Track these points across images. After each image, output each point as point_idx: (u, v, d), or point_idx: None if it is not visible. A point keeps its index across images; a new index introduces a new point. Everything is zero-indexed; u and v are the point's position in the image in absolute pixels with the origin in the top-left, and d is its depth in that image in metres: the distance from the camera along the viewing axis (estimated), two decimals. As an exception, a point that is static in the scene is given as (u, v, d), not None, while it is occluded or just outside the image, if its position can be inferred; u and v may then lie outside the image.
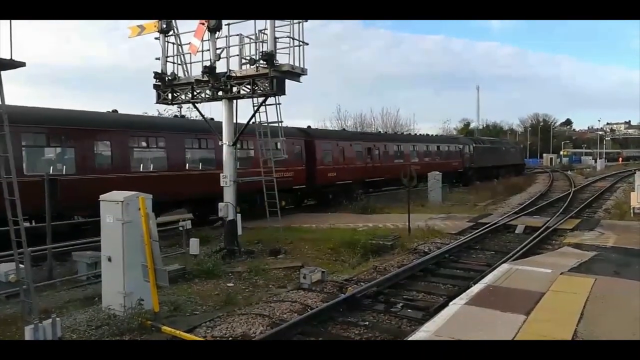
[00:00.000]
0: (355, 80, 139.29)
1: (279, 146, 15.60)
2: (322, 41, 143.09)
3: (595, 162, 74.54)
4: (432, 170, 29.25)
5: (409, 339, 5.77)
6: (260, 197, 15.32)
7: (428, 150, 34.84)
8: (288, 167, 20.21)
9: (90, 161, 14.32)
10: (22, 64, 7.01)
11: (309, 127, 27.22)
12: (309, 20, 12.02)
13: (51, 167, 13.68)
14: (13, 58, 6.66)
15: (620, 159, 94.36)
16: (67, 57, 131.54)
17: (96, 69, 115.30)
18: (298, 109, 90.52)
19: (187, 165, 17.14)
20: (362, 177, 26.14)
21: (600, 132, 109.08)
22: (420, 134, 43.77)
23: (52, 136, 13.68)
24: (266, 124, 14.06)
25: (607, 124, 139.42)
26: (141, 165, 16.01)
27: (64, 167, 14.04)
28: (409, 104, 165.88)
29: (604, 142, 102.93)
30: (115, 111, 15.41)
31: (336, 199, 23.70)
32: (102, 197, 8.30)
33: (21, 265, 7.06)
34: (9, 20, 6.32)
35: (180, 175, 16.46)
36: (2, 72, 6.69)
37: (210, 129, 14.73)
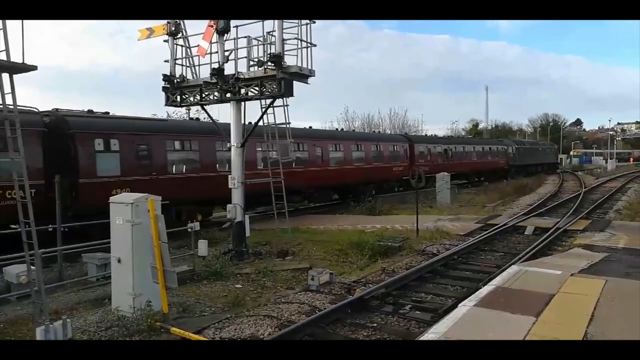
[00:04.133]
0: (362, 81, 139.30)
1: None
2: (328, 42, 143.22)
3: (606, 162, 73.79)
4: (487, 167, 40.87)
5: (418, 339, 5.75)
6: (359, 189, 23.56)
7: (483, 150, 41.79)
8: (400, 163, 28.34)
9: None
10: (33, 68, 7.09)
11: (406, 133, 39.10)
12: (315, 21, 12.04)
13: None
14: (25, 62, 6.77)
15: (631, 159, 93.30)
16: (70, 58, 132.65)
17: (100, 71, 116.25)
18: (305, 110, 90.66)
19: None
20: (441, 172, 30.37)
21: (611, 132, 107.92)
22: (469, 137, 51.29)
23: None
24: (280, 126, 14.17)
25: (618, 124, 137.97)
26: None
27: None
28: (417, 105, 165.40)
29: (615, 142, 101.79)
30: (90, 111, 15.43)
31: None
32: (112, 198, 8.39)
33: (32, 267, 7.14)
34: (20, 25, 6.41)
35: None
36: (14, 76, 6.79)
37: (219, 131, 14.81)
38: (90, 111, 14.59)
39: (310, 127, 25.60)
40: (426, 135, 43.65)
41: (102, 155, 13.70)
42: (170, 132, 16.27)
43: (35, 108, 13.33)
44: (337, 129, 33.89)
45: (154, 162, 15.11)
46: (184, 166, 16.49)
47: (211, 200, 16.75)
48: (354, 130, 35.27)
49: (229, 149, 14.16)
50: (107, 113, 15.35)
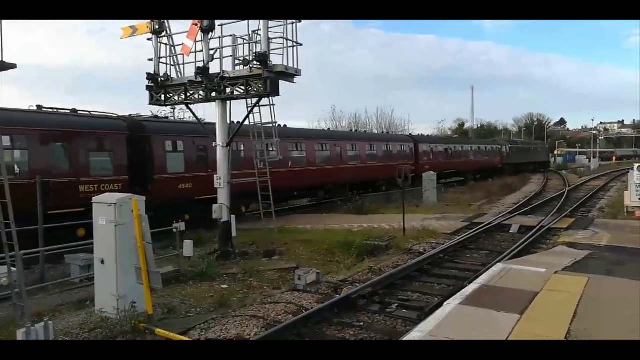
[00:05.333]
0: (349, 80, 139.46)
1: (271, 147, 15.94)
2: (313, 41, 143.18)
3: (589, 161, 74.88)
4: (483, 165, 43.77)
5: (404, 339, 5.76)
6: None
7: (479, 149, 45.23)
8: (407, 161, 30.77)
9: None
10: (13, 66, 6.96)
11: (410, 134, 40.99)
12: (302, 21, 12.02)
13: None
14: (4, 60, 6.63)
15: (614, 158, 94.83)
16: (52, 56, 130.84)
17: (83, 69, 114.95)
18: (294, 108, 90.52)
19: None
20: (442, 169, 35.17)
21: (594, 132, 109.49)
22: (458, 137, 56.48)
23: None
24: (266, 125, 14.14)
25: (601, 123, 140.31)
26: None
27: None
28: (403, 105, 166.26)
29: (598, 142, 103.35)
30: (156, 116, 16.28)
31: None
32: (95, 199, 8.26)
33: (13, 269, 7.00)
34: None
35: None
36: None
37: (205, 130, 14.74)
38: (155, 116, 15.69)
39: (329, 128, 30.54)
40: (428, 135, 46.06)
41: (171, 154, 16.02)
42: None
43: (114, 114, 15.46)
44: (353, 130, 38.38)
45: (210, 160, 16.62)
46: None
47: (254, 193, 18.42)
48: (365, 132, 39.87)
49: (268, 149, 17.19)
50: (167, 118, 16.36)
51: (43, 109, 14.22)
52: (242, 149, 18.18)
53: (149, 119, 16.21)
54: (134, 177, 14.90)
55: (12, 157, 12.47)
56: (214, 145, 13.17)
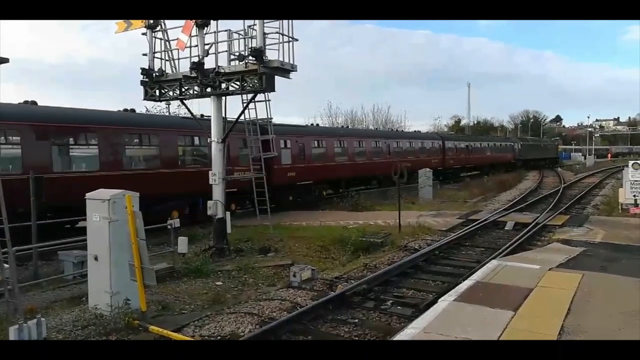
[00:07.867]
0: (344, 76, 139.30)
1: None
2: (307, 36, 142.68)
3: (585, 158, 75.15)
4: (498, 160, 48.51)
5: (398, 335, 5.75)
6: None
7: (495, 146, 50.26)
8: (436, 156, 36.48)
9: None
10: (5, 60, 6.87)
11: (437, 132, 47.60)
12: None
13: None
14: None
15: (609, 155, 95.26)
16: (44, 52, 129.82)
17: (76, 64, 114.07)
18: (288, 105, 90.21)
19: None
20: (464, 164, 41.57)
21: (590, 129, 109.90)
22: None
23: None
24: (261, 120, 14.11)
25: (596, 120, 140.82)
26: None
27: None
28: (399, 101, 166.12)
29: (593, 139, 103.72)
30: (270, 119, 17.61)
31: (453, 177, 38.69)
32: (88, 195, 8.19)
33: (6, 265, 6.94)
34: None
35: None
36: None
37: (200, 126, 14.66)
38: (270, 119, 17.85)
39: (377, 128, 36.49)
40: (451, 133, 50.07)
41: (283, 150, 20.13)
42: (313, 134, 24.33)
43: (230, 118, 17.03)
44: (397, 130, 44.24)
45: (306, 154, 21.95)
46: (316, 157, 23.45)
47: (337, 181, 25.02)
48: (391, 130, 44.44)
49: (339, 145, 24.92)
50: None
51: (204, 117, 17.36)
52: (289, 146, 21.39)
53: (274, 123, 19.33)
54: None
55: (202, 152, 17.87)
56: (209, 141, 13.12)
